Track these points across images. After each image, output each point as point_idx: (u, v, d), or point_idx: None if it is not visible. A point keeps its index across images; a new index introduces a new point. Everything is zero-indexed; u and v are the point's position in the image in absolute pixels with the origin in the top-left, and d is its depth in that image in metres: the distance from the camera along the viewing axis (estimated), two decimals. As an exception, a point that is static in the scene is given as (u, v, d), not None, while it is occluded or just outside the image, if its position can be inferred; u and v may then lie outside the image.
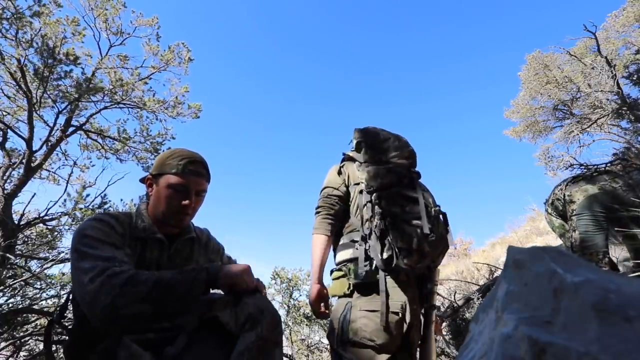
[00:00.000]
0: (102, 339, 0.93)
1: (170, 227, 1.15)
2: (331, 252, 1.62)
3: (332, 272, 1.55)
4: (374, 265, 1.35)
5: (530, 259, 0.76)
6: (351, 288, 1.41)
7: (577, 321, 0.53)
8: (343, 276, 1.44)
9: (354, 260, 1.42)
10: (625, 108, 5.72)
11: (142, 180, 1.20)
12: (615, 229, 2.93)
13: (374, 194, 1.41)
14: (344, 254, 1.47)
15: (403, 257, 1.29)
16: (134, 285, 0.87)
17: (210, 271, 0.97)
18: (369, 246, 1.36)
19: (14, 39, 4.56)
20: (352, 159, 1.61)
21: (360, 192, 1.49)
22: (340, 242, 1.53)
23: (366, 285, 1.37)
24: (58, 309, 1.09)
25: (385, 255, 1.32)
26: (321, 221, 1.54)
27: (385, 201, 1.38)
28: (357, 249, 1.42)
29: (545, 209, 3.51)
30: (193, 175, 1.11)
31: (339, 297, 1.45)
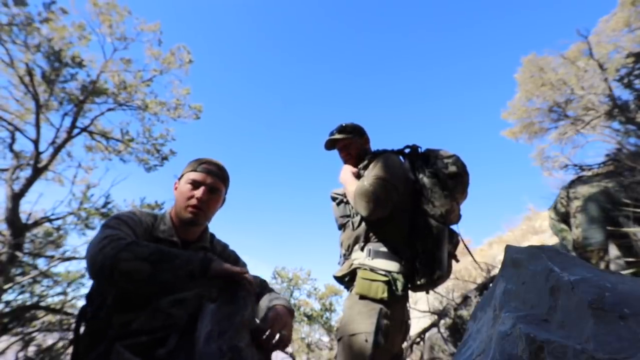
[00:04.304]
0: (98, 342, 0.98)
1: (186, 225, 1.23)
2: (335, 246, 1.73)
3: (356, 269, 1.57)
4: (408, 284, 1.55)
5: (528, 258, 0.81)
6: (391, 297, 1.46)
7: (573, 319, 0.57)
8: (385, 282, 1.48)
9: (401, 273, 1.50)
10: (616, 110, 5.87)
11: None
12: (608, 227, 3.05)
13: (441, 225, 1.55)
14: (390, 265, 1.52)
15: (432, 283, 1.57)
16: (138, 246, 0.99)
17: (207, 256, 1.04)
18: (418, 266, 1.54)
19: (23, 44, 4.71)
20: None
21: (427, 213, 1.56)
22: (382, 249, 1.55)
23: (398, 298, 1.50)
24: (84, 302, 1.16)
25: (424, 280, 1.55)
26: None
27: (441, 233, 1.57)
28: (403, 264, 1.52)
29: (549, 215, 3.62)
30: (206, 171, 1.24)
31: (370, 299, 1.47)
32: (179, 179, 1.29)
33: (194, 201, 1.20)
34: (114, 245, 0.97)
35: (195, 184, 1.22)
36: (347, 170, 1.75)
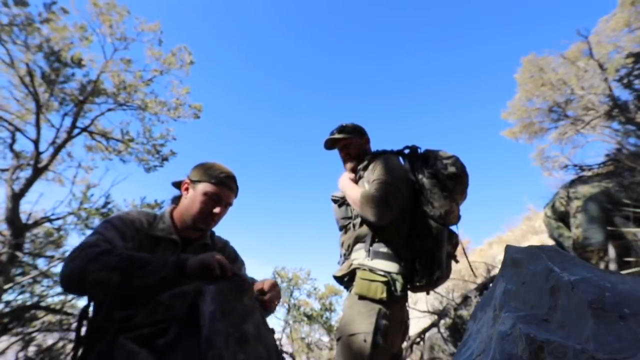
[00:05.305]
0: (100, 339, 0.99)
1: (193, 231, 1.26)
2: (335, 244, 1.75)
3: (355, 269, 1.57)
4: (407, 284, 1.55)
5: (528, 258, 0.81)
6: (390, 297, 1.45)
7: (573, 319, 0.57)
8: (384, 282, 1.47)
9: (400, 274, 1.50)
10: (616, 110, 5.87)
11: (177, 184, 1.33)
12: (608, 227, 3.05)
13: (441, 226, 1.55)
14: (389, 266, 1.51)
15: (432, 284, 1.58)
16: (108, 255, 0.98)
17: (180, 258, 1.03)
18: (418, 267, 1.54)
19: (23, 44, 4.72)
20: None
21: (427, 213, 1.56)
22: (382, 250, 1.55)
23: (397, 299, 1.50)
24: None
25: (423, 281, 1.55)
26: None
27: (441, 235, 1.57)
28: (402, 265, 1.52)
29: (544, 213, 3.62)
30: (227, 188, 1.27)
31: (369, 299, 1.46)
32: (195, 182, 1.27)
33: (213, 216, 1.25)
34: (83, 255, 0.98)
35: (215, 199, 1.24)
36: (346, 177, 1.76)
